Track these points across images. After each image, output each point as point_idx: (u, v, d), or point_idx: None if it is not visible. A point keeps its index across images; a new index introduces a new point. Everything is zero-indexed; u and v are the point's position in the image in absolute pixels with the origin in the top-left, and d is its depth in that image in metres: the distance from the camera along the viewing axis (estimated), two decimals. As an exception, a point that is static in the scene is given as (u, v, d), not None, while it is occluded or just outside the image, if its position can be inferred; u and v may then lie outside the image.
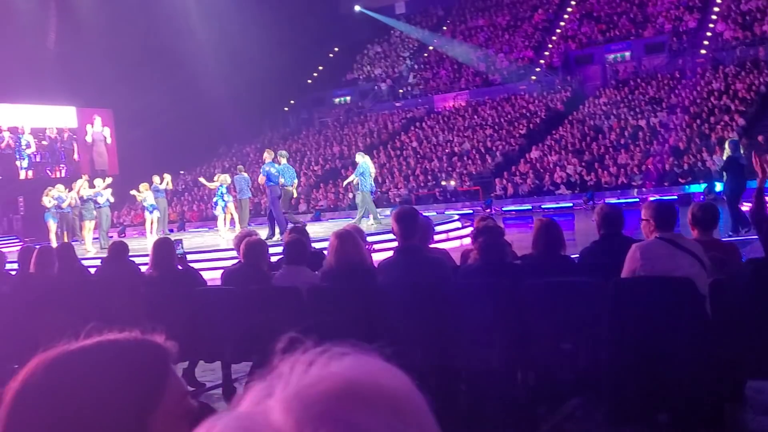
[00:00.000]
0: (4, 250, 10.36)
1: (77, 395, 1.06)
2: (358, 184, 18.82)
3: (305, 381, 0.71)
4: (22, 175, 34.82)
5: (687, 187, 25.38)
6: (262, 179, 17.28)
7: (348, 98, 46.26)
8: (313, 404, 0.68)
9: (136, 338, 1.14)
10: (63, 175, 34.55)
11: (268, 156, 17.48)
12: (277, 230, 17.04)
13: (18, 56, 30.93)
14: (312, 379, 0.71)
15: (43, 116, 35.49)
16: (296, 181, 18.15)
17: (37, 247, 7.34)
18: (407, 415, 0.70)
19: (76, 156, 36.46)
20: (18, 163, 34.62)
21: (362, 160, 19.01)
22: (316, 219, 28.69)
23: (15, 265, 8.16)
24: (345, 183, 18.87)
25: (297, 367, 0.72)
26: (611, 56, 38.39)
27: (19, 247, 10.96)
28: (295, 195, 18.47)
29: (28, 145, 34.78)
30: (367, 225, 17.64)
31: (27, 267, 7.18)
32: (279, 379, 0.72)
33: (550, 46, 41.01)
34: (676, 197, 24.42)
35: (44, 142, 35.63)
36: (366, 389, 0.69)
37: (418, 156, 34.99)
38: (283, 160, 17.36)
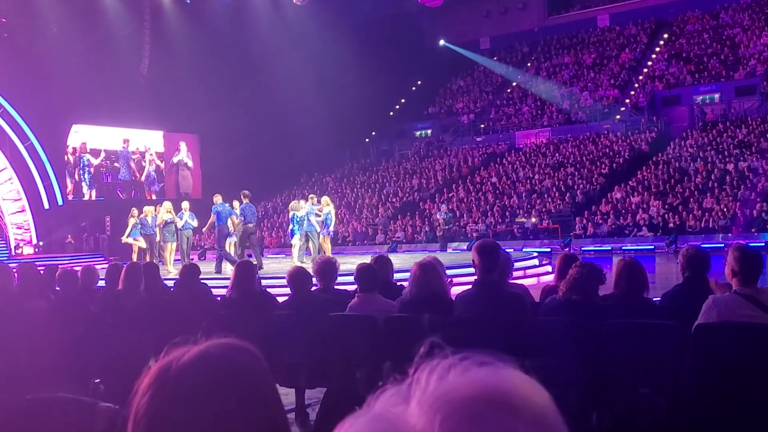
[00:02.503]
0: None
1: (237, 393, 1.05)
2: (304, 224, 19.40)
3: (448, 385, 0.71)
4: (86, 195, 35.68)
5: (775, 234, 24.62)
6: (213, 218, 18.15)
7: (429, 131, 46.43)
8: (458, 407, 0.69)
9: (241, 342, 1.13)
10: (129, 196, 35.55)
11: (218, 198, 18.31)
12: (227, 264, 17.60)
13: (111, 81, 32.07)
14: (455, 384, 0.71)
15: (110, 138, 36.51)
16: (255, 219, 18.96)
17: (126, 264, 7.53)
18: (547, 427, 0.71)
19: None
20: (83, 183, 35.49)
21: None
22: (392, 250, 28.76)
23: (102, 283, 8.40)
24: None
25: (435, 373, 0.72)
26: (699, 98, 37.62)
27: (106, 265, 11.26)
28: (256, 233, 19.57)
29: (89, 164, 35.71)
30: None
31: (114, 284, 7.38)
32: (415, 384, 0.72)
33: (636, 85, 40.48)
34: (762, 244, 23.66)
35: (116, 164, 36.65)
36: (511, 397, 0.70)
37: (497, 192, 34.82)
38: (246, 200, 18.07)
